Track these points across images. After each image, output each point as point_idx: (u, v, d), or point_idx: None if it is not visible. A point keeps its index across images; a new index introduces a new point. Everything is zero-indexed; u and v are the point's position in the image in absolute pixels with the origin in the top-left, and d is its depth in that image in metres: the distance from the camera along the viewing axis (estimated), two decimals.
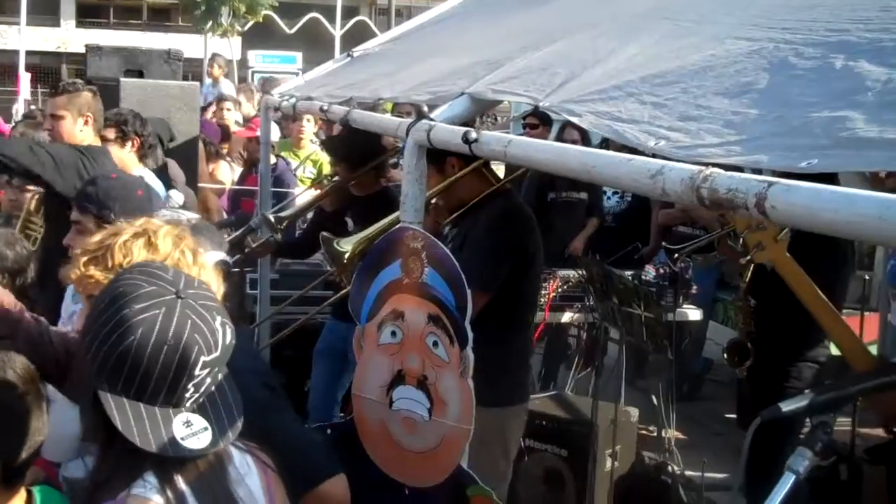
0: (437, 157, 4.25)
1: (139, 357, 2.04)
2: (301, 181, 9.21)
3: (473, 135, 3.18)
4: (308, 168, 9.43)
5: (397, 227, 3.66)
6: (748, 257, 4.35)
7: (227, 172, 9.82)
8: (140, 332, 2.04)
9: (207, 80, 14.88)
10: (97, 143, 5.67)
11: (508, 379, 4.55)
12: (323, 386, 6.51)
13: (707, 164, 2.21)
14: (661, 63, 3.08)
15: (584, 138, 8.61)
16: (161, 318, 2.06)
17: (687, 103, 2.70)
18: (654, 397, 7.31)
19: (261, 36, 39.51)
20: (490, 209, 4.64)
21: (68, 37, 43.48)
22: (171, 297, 2.10)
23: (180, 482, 2.10)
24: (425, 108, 3.70)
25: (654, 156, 2.50)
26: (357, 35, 39.38)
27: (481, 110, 3.87)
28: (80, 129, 5.56)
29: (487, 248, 4.52)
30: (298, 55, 35.37)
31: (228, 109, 11.26)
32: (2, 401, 2.45)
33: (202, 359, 2.08)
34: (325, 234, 5.00)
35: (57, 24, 44.05)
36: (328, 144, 7.15)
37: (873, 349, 7.18)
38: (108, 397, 2.06)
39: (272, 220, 6.14)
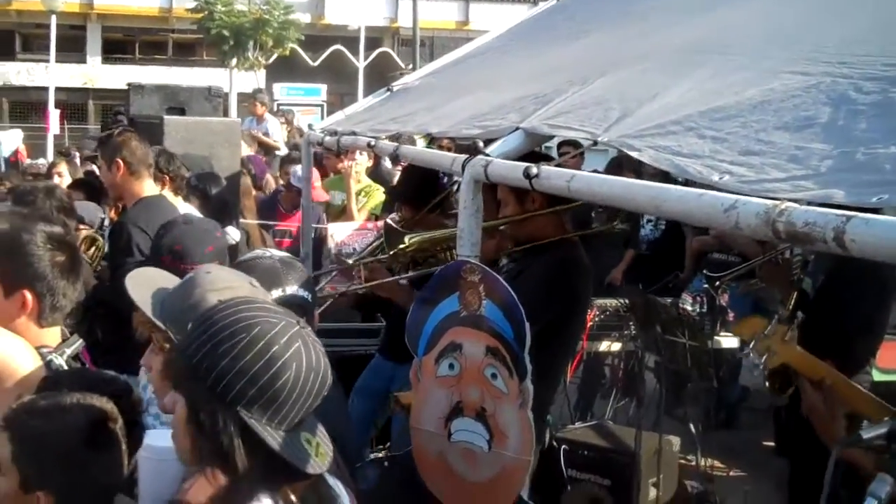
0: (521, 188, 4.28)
1: (294, 389, 2.15)
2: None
3: (534, 170, 3.21)
4: (362, 201, 9.41)
5: (455, 261, 3.71)
6: (762, 361, 4.31)
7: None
8: (295, 366, 2.15)
9: (249, 117, 14.93)
10: (142, 185, 5.69)
11: None
12: (357, 425, 6.49)
13: (778, 198, 2.25)
14: (717, 98, 3.12)
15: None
16: (304, 350, 2.18)
17: (748, 137, 2.73)
18: (692, 426, 7.31)
19: (285, 68, 39.66)
20: (553, 254, 4.58)
21: (95, 73, 43.86)
22: (297, 329, 2.20)
23: (293, 500, 2.18)
24: (480, 143, 3.74)
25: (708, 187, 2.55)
26: (381, 66, 39.63)
27: (534, 144, 3.91)
28: (118, 177, 5.62)
29: (540, 287, 4.45)
30: (323, 87, 35.52)
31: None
32: (68, 440, 2.53)
33: (328, 381, 2.23)
34: (390, 220, 5.03)
35: (83, 61, 44.39)
36: (393, 189, 7.04)
37: None
38: (257, 425, 2.14)
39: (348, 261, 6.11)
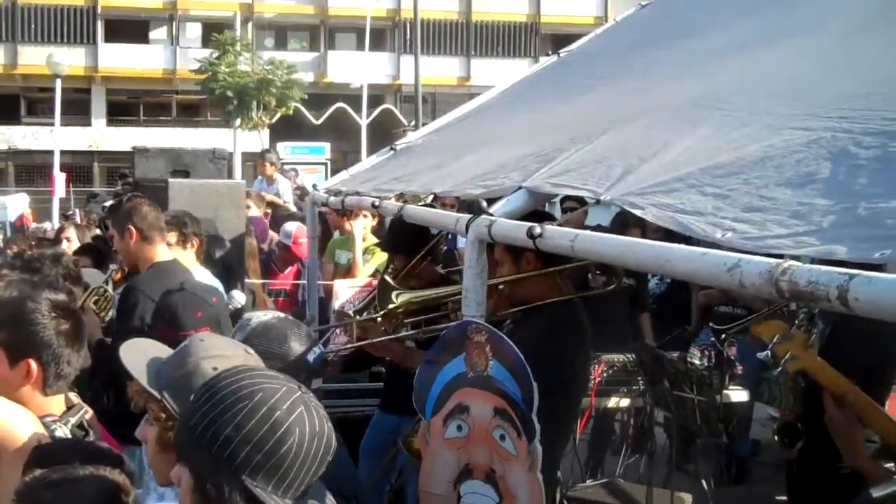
0: (515, 247, 4.28)
1: (299, 454, 2.14)
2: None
3: (538, 230, 3.22)
4: (366, 258, 9.43)
5: (460, 321, 3.70)
6: (778, 368, 4.30)
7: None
8: (298, 432, 2.14)
9: (258, 178, 15.01)
10: (156, 251, 5.67)
11: None
12: (370, 486, 6.42)
13: (781, 256, 2.26)
14: (719, 154, 3.13)
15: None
16: (306, 415, 2.17)
17: (750, 194, 2.74)
18: (703, 482, 7.26)
19: (288, 127, 39.97)
20: (548, 315, 4.46)
21: (99, 135, 44.29)
22: (298, 394, 2.20)
23: None
24: (484, 203, 3.75)
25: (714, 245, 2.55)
26: (384, 123, 39.91)
27: (538, 203, 3.92)
28: (132, 244, 5.61)
29: (531, 350, 4.42)
30: (327, 145, 35.75)
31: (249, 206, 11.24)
32: None
33: (333, 445, 2.21)
34: (385, 278, 5.04)
35: (88, 124, 44.80)
36: (385, 242, 7.04)
37: None
38: (263, 494, 2.13)
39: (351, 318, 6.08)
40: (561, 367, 4.42)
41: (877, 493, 2.38)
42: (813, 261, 2.30)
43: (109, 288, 5.95)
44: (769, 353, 4.40)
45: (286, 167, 28.47)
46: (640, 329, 8.89)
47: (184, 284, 5.17)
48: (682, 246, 2.67)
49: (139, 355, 2.74)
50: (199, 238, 6.16)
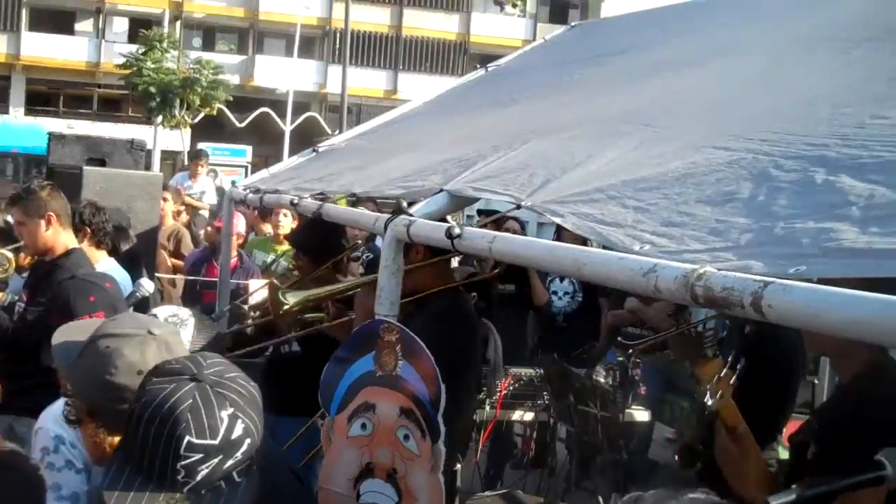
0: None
1: (136, 425, 2.11)
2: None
3: (457, 230, 3.21)
4: (282, 264, 9.38)
5: (372, 320, 3.67)
6: (714, 401, 4.32)
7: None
8: (143, 402, 2.12)
9: (182, 173, 14.92)
10: (69, 237, 5.60)
11: None
12: None
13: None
14: (641, 169, 3.15)
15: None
16: (165, 393, 2.11)
17: (669, 209, 2.75)
18: (600, 498, 7.29)
19: (211, 128, 39.64)
20: (432, 306, 4.48)
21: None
22: (186, 378, 2.15)
23: None
24: (404, 203, 3.74)
25: None
26: (307, 130, 39.75)
27: (458, 207, 3.92)
28: (46, 231, 5.50)
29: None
30: (248, 148, 35.54)
31: (165, 199, 11.17)
32: None
33: (188, 438, 2.08)
34: (274, 280, 5.03)
35: (6, 112, 43.94)
36: (294, 237, 7.03)
37: None
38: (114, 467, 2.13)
39: (245, 310, 6.09)
40: (451, 356, 4.40)
41: (774, 501, 2.40)
42: None
43: (10, 256, 5.86)
44: (707, 388, 4.43)
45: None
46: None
47: (74, 273, 5.19)
48: (600, 250, 2.68)
49: (67, 336, 2.73)
50: (92, 228, 6.02)
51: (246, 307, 6.07)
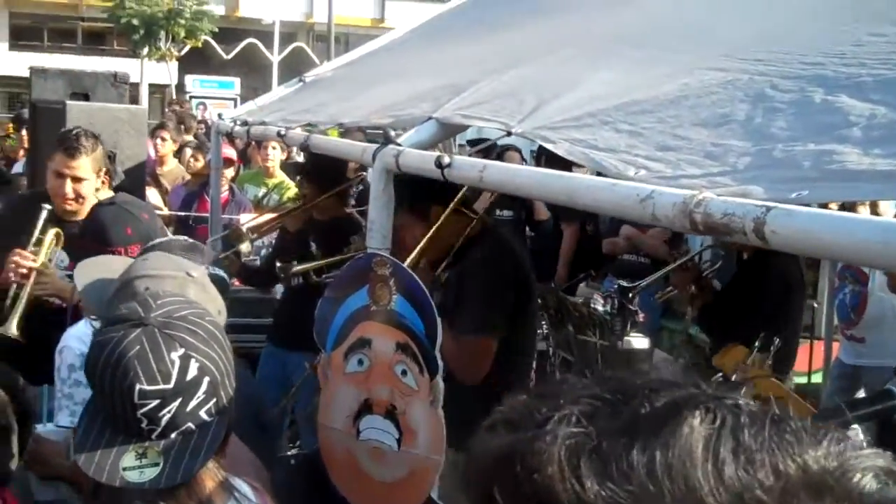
0: (420, 206, 4.25)
1: (91, 375, 2.10)
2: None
3: (447, 159, 3.12)
4: (274, 197, 9.31)
5: (364, 252, 3.61)
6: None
7: (156, 199, 9.68)
8: (94, 353, 2.10)
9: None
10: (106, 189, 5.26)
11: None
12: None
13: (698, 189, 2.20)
14: (633, 92, 3.07)
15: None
16: (114, 342, 2.07)
17: (664, 133, 2.68)
18: None
19: (198, 61, 39.24)
20: (477, 250, 4.47)
21: (1, 60, 42.92)
22: (132, 322, 2.10)
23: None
24: (392, 133, 3.66)
25: None
26: (295, 61, 39.33)
27: (448, 135, 3.84)
28: (97, 189, 5.13)
29: (483, 289, 4.36)
30: (237, 80, 35.25)
31: (164, 139, 11.15)
32: None
33: (139, 386, 2.04)
34: (280, 263, 5.05)
35: None
36: (301, 166, 6.93)
37: (818, 377, 7.29)
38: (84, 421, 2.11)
39: (243, 231, 6.03)
40: (513, 286, 4.44)
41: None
42: None
43: None
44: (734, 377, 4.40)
45: (194, 100, 28.01)
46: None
47: (114, 198, 4.98)
48: (594, 177, 2.61)
49: (93, 271, 2.72)
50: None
51: (244, 228, 5.98)
